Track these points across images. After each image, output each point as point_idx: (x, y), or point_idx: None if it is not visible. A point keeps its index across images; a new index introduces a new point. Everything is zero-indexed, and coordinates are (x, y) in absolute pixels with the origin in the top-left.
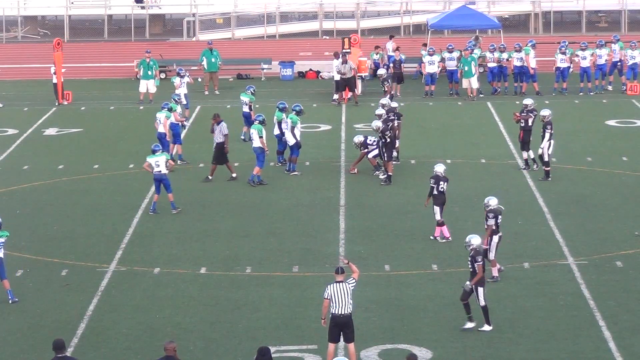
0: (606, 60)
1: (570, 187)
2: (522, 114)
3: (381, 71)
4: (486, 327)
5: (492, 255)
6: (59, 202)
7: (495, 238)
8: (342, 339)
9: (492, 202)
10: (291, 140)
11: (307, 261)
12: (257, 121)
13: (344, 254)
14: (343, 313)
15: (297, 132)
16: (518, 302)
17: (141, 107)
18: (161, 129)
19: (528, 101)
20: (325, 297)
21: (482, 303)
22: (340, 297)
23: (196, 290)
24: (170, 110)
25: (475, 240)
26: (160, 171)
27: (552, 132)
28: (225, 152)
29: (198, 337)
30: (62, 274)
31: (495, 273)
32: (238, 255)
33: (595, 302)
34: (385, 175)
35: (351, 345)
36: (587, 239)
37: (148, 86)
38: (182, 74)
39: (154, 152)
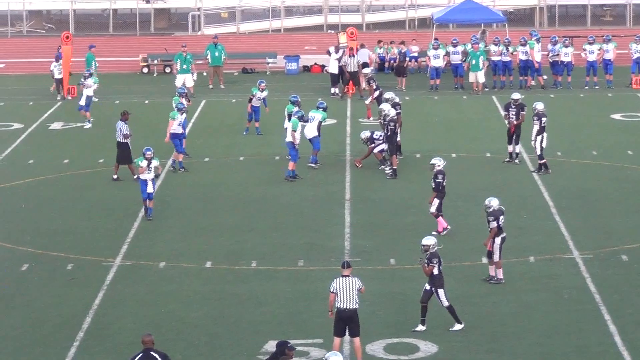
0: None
1: (575, 181)
2: (511, 108)
3: (366, 70)
4: (457, 326)
5: (496, 257)
6: (64, 197)
7: (498, 240)
8: (347, 333)
9: (494, 202)
10: (309, 134)
11: (311, 255)
12: (297, 116)
13: (349, 248)
14: (348, 307)
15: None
16: (523, 296)
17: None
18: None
19: (516, 95)
20: (332, 290)
21: (446, 304)
22: (345, 292)
23: (201, 285)
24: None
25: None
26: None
27: (545, 125)
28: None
29: (202, 332)
30: (68, 269)
31: (500, 275)
32: (243, 250)
33: (600, 296)
34: (391, 169)
35: (356, 340)
36: (592, 233)
37: (185, 80)
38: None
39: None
